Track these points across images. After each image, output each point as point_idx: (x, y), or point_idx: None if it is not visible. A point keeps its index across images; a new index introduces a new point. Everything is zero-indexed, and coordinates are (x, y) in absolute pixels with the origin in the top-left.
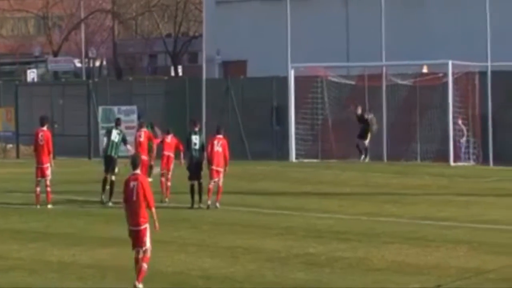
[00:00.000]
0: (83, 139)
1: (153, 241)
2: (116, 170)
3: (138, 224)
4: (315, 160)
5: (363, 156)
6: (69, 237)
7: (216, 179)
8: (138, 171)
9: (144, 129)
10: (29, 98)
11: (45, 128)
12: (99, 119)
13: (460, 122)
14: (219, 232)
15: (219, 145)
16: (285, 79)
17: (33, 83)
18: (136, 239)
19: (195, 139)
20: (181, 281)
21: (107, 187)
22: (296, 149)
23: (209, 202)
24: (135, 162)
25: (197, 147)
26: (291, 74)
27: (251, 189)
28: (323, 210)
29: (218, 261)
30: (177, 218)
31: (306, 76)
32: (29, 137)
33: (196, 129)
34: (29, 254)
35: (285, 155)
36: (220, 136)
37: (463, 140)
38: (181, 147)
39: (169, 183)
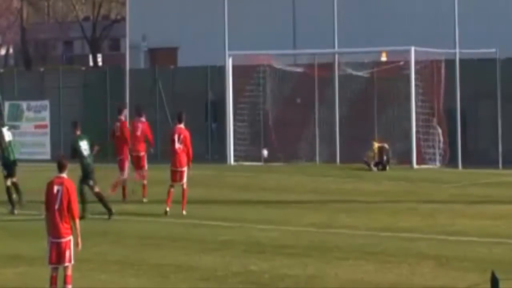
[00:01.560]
0: None
1: None
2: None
3: (60, 236)
4: (256, 163)
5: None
6: None
7: (181, 182)
8: (64, 174)
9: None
10: None
11: None
12: (5, 117)
13: (435, 122)
14: (145, 248)
15: (180, 141)
16: (222, 69)
17: None
18: (58, 253)
19: (84, 144)
20: None
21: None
22: (235, 151)
23: (167, 209)
24: (60, 163)
25: (88, 152)
26: (229, 63)
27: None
28: (266, 221)
29: (145, 281)
30: (96, 231)
31: (246, 66)
32: None
33: (79, 132)
34: None
35: (222, 158)
36: (181, 126)
37: (440, 145)
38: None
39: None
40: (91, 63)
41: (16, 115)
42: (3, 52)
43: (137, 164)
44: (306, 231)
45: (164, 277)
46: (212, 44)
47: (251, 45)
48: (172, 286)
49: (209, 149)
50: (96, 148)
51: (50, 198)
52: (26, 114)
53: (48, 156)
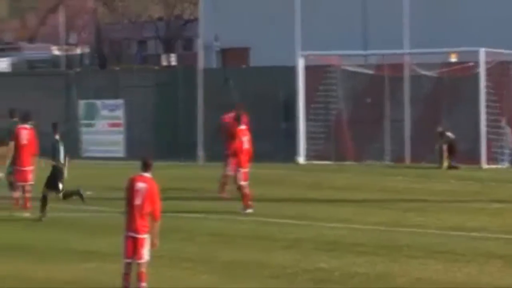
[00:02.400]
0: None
1: None
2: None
3: (137, 232)
4: (327, 162)
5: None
6: (37, 250)
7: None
8: (148, 173)
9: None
10: None
11: (28, 125)
12: (81, 115)
13: (503, 122)
14: (216, 245)
15: (246, 140)
16: (293, 69)
17: (4, 74)
18: (133, 248)
19: (61, 149)
20: None
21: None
22: (306, 150)
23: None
24: (146, 163)
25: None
26: (300, 64)
27: (253, 196)
28: (336, 219)
29: (215, 278)
30: (168, 227)
31: (317, 66)
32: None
33: (57, 137)
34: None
35: (292, 157)
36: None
37: (509, 145)
38: None
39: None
40: (164, 63)
41: (91, 113)
42: (78, 51)
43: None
44: (375, 229)
45: (234, 274)
46: (283, 44)
47: (322, 46)
48: (242, 284)
49: (280, 148)
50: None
51: (131, 194)
52: (101, 112)
53: (122, 154)
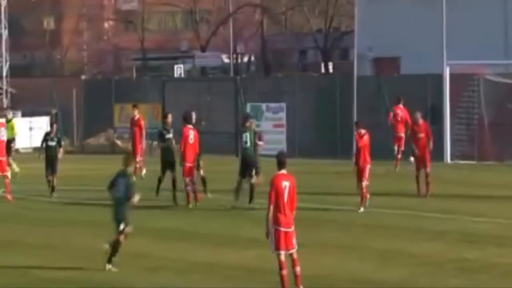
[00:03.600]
0: (230, 137)
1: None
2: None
3: (290, 225)
4: (471, 162)
5: None
6: (215, 237)
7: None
8: (284, 170)
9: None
10: (176, 95)
11: (191, 126)
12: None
13: None
14: (369, 235)
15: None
16: (440, 77)
17: (180, 79)
18: (286, 241)
19: (245, 137)
20: (328, 284)
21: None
22: (451, 150)
23: None
24: (281, 161)
25: (247, 145)
26: (447, 72)
27: (401, 191)
28: (479, 214)
29: (368, 264)
30: (323, 219)
31: (461, 74)
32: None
33: (247, 124)
34: (176, 254)
35: (438, 156)
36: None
37: None
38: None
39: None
40: (322, 70)
41: (257, 115)
42: (245, 59)
43: None
44: None
45: (385, 261)
46: (431, 54)
47: (466, 56)
48: (393, 271)
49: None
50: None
51: (278, 192)
52: (266, 114)
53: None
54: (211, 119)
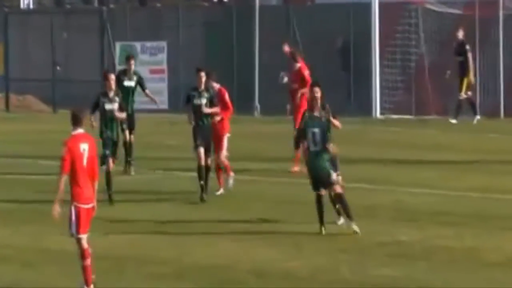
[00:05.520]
0: (94, 86)
1: None
2: None
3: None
4: (407, 117)
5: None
6: None
7: None
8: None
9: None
10: (22, 31)
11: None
12: (116, 59)
13: None
14: (275, 213)
15: None
16: (366, 6)
17: (27, 11)
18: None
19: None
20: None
21: None
22: (382, 102)
23: None
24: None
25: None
26: (375, 0)
27: None
28: (418, 184)
29: (276, 252)
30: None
31: (394, 3)
32: (23, 83)
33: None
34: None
35: (365, 109)
36: None
37: None
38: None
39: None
40: None
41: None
42: None
43: None
44: (464, 196)
45: (297, 248)
46: None
47: None
48: (306, 259)
49: (351, 99)
50: None
51: (75, 158)
52: (140, 57)
53: (166, 106)
54: (69, 63)
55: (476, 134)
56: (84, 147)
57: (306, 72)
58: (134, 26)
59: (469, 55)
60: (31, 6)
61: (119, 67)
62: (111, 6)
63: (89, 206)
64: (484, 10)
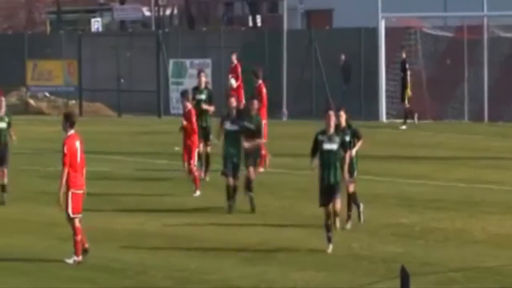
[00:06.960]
0: (151, 96)
1: None
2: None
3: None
4: (407, 121)
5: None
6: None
7: None
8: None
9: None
10: (93, 50)
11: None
12: (170, 74)
13: None
14: (298, 200)
15: None
16: (374, 31)
17: (97, 34)
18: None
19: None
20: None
21: None
22: (387, 109)
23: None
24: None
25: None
26: (382, 25)
27: None
28: (416, 176)
29: (294, 231)
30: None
31: (397, 28)
32: (93, 92)
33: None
34: None
35: (373, 114)
36: None
37: None
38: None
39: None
40: (250, 24)
41: (180, 72)
42: (168, 12)
43: None
44: (454, 186)
45: (318, 227)
46: (365, 6)
47: (403, 8)
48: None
49: (362, 106)
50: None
51: (72, 154)
52: (190, 71)
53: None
54: (131, 76)
55: (464, 135)
56: (77, 144)
57: (264, 90)
58: (184, 46)
59: (408, 72)
60: (100, 30)
61: (172, 79)
62: (166, 29)
63: (81, 191)
64: (472, 33)
